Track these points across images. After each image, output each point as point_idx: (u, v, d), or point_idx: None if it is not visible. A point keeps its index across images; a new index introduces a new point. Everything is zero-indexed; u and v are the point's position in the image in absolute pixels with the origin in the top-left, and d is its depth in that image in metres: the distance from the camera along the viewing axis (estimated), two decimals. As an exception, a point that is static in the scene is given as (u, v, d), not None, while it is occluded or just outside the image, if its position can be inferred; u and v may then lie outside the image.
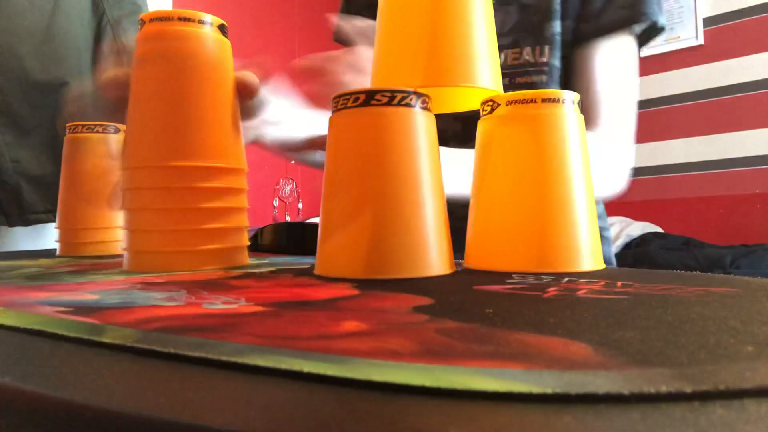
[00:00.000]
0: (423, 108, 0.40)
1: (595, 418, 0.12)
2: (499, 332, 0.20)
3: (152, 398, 0.14)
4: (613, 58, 0.79)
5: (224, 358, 0.16)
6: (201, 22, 0.46)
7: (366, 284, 0.34)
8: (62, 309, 0.27)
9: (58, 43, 1.06)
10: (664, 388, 0.13)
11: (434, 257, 0.38)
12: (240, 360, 0.16)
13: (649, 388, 0.13)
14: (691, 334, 0.19)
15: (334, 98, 0.41)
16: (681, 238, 1.81)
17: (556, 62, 0.78)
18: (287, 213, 3.52)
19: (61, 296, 0.32)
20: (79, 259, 0.60)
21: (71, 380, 0.16)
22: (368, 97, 0.39)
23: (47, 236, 1.08)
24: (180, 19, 0.46)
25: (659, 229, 1.94)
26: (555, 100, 0.41)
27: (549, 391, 0.13)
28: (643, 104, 2.13)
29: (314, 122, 0.66)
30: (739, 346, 0.17)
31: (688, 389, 0.13)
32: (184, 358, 0.17)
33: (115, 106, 0.50)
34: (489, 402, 0.13)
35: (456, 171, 0.62)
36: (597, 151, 0.68)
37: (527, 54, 0.78)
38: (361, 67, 0.63)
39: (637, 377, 0.14)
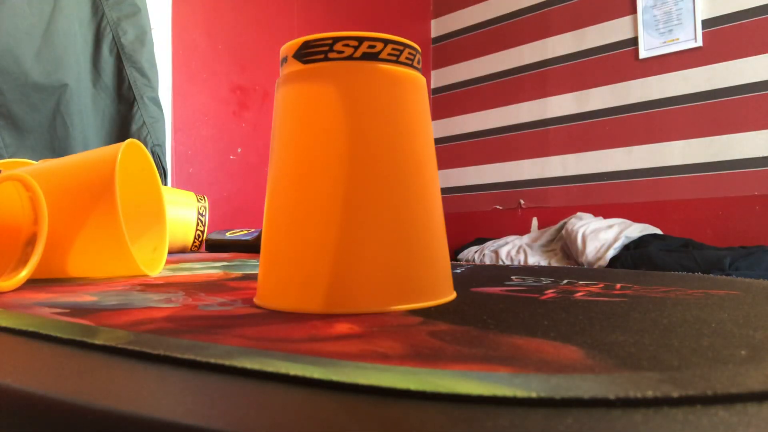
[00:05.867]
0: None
1: (597, 421, 0.12)
2: (491, 335, 0.19)
3: (149, 399, 0.14)
4: None
5: (212, 360, 0.16)
6: None
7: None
8: (59, 310, 0.27)
9: (57, 45, 1.06)
10: (650, 393, 0.13)
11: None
12: (228, 362, 0.16)
13: (635, 392, 0.13)
14: (685, 338, 0.18)
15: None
16: (680, 239, 1.81)
17: None
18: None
19: (60, 297, 0.32)
20: None
21: (69, 382, 0.16)
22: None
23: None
24: None
25: (658, 231, 1.93)
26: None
27: (534, 395, 0.13)
28: (641, 106, 2.12)
29: None
30: (733, 349, 0.17)
31: (675, 394, 0.13)
32: (174, 360, 0.17)
33: None
34: (491, 405, 0.13)
35: None
36: None
37: None
38: None
39: (624, 381, 0.14)
